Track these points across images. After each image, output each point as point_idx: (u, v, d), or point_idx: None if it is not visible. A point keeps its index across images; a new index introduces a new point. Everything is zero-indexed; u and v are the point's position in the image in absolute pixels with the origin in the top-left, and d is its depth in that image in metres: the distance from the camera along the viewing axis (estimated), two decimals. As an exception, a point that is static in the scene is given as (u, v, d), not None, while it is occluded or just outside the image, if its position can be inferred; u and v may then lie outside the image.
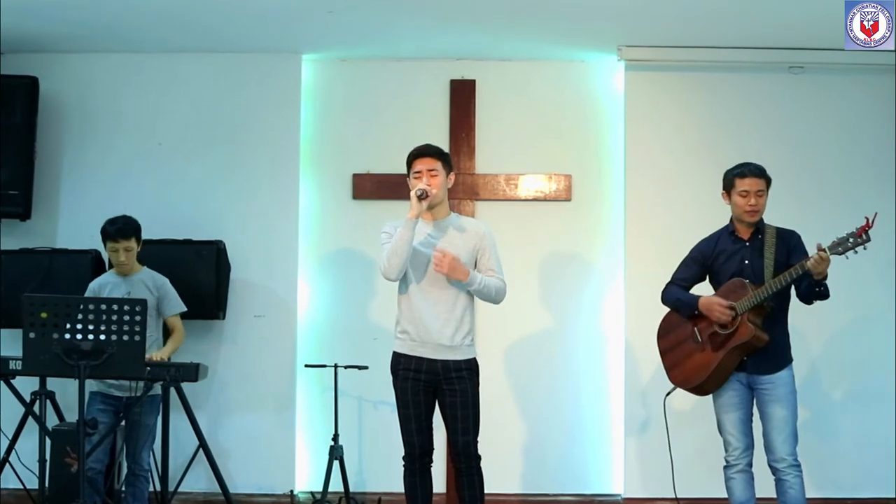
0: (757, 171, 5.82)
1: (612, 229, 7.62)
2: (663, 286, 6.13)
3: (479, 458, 5.77)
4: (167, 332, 6.69)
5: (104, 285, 6.58)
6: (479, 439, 5.77)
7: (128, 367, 5.60)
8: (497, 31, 7.17)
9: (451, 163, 5.89)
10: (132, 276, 6.59)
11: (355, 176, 7.65)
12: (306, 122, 7.66)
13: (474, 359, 5.81)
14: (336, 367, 7.06)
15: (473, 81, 7.67)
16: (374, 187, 7.61)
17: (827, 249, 5.46)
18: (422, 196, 5.61)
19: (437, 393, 5.75)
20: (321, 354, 7.41)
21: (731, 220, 5.94)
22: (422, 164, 5.75)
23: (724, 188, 5.90)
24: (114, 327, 5.50)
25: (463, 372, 5.72)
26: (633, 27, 7.10)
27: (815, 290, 5.63)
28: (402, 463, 5.82)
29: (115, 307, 5.53)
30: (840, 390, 7.45)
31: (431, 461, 5.85)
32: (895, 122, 7.36)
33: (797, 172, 7.25)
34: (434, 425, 5.83)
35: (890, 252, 7.26)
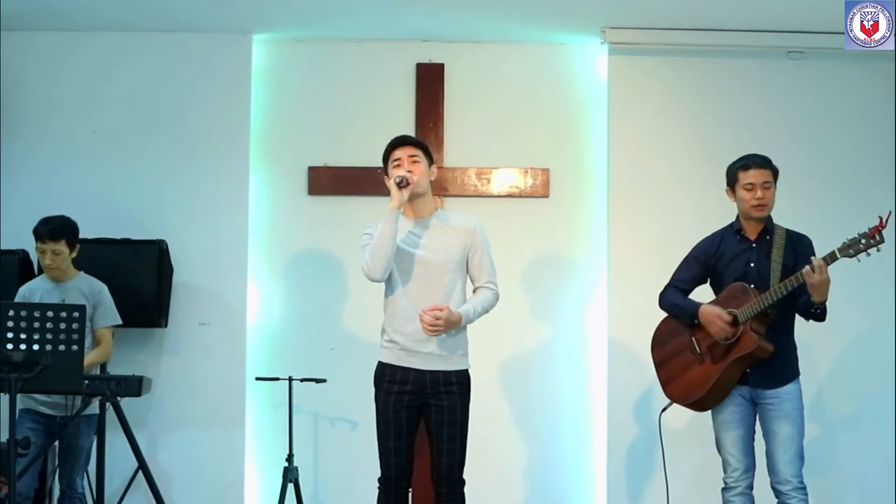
0: (762, 162, 5.83)
1: (594, 228, 7.62)
2: (661, 288, 6.11)
3: (463, 482, 5.73)
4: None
5: (34, 291, 6.50)
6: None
7: (64, 380, 5.55)
8: (468, 9, 7.17)
9: (432, 155, 5.92)
10: (67, 282, 6.52)
11: (311, 169, 7.61)
12: (257, 109, 7.61)
13: (467, 371, 5.78)
14: (290, 380, 7.02)
15: (442, 65, 7.65)
16: (332, 182, 7.58)
17: (827, 259, 5.47)
18: (401, 184, 5.61)
19: (422, 409, 5.72)
20: (273, 366, 7.35)
21: (738, 217, 5.93)
22: (401, 152, 5.78)
23: (728, 184, 5.90)
24: (48, 336, 5.45)
25: (453, 386, 5.69)
26: (618, 7, 7.11)
27: (810, 309, 5.67)
28: (377, 485, 5.76)
29: (49, 314, 5.47)
30: (845, 407, 7.47)
31: (408, 486, 5.79)
32: (905, 112, 7.44)
33: (798, 165, 7.22)
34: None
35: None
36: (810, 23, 7.20)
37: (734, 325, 5.70)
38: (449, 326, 5.59)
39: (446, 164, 7.60)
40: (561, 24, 7.38)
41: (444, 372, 5.68)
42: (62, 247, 6.43)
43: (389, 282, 5.72)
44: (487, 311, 5.79)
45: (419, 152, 5.79)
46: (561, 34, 7.55)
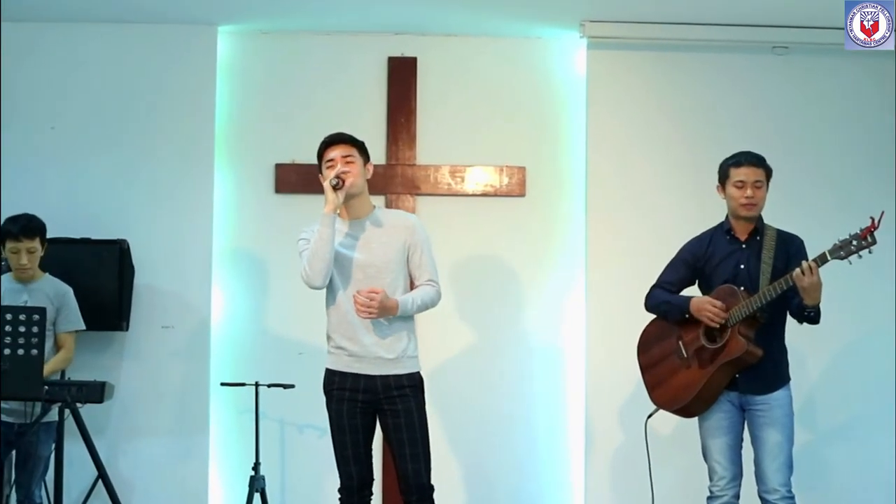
0: (754, 160, 5.82)
1: (572, 229, 7.59)
2: (640, 289, 6.08)
3: (432, 489, 5.70)
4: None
5: (-4, 292, 6.44)
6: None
7: (23, 385, 5.50)
8: (442, 1, 7.15)
9: (367, 152, 5.88)
10: (32, 283, 6.50)
11: (278, 166, 7.57)
12: (222, 104, 7.55)
13: (418, 373, 5.77)
14: (257, 385, 7.00)
15: (415, 59, 7.61)
16: (300, 179, 7.50)
17: (817, 261, 5.46)
18: (337, 185, 5.59)
19: (377, 415, 5.71)
20: (239, 371, 7.30)
21: (727, 217, 5.91)
22: (334, 152, 5.75)
23: (719, 180, 5.90)
24: (7, 339, 5.41)
25: (406, 389, 5.67)
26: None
27: (804, 312, 5.65)
28: (338, 496, 5.75)
29: (8, 316, 5.44)
30: (838, 415, 7.46)
31: (371, 494, 5.80)
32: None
33: (785, 163, 7.03)
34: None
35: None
36: (795, 17, 7.22)
37: (723, 328, 5.69)
38: (384, 311, 5.55)
39: (419, 161, 7.57)
40: (538, 17, 7.36)
41: (395, 376, 5.67)
42: (36, 243, 6.45)
43: (330, 288, 5.70)
44: (428, 307, 5.79)
45: (353, 151, 5.76)
46: (538, 27, 7.53)
